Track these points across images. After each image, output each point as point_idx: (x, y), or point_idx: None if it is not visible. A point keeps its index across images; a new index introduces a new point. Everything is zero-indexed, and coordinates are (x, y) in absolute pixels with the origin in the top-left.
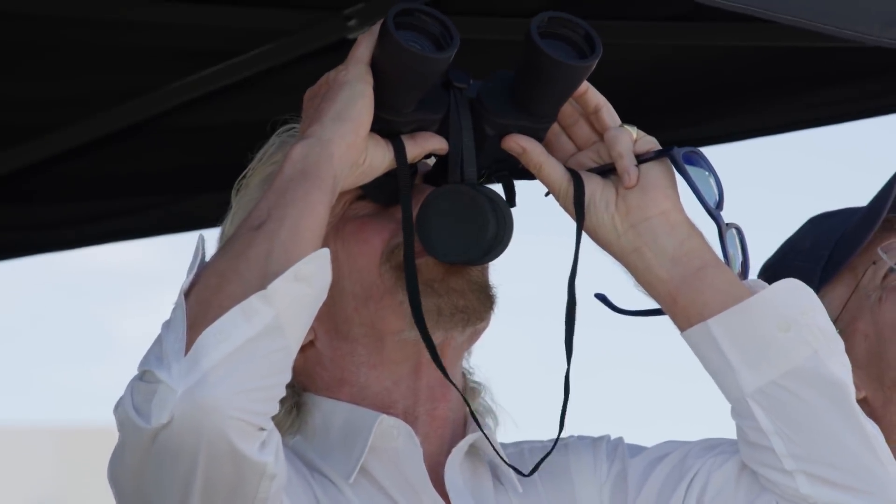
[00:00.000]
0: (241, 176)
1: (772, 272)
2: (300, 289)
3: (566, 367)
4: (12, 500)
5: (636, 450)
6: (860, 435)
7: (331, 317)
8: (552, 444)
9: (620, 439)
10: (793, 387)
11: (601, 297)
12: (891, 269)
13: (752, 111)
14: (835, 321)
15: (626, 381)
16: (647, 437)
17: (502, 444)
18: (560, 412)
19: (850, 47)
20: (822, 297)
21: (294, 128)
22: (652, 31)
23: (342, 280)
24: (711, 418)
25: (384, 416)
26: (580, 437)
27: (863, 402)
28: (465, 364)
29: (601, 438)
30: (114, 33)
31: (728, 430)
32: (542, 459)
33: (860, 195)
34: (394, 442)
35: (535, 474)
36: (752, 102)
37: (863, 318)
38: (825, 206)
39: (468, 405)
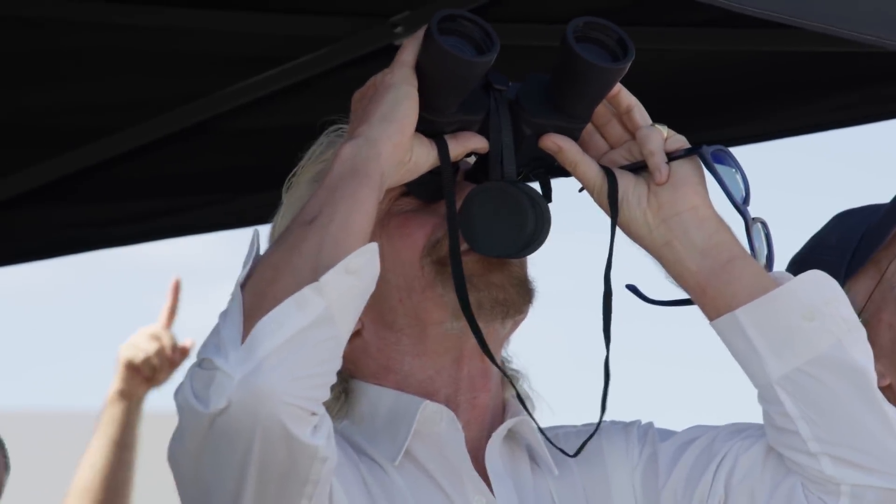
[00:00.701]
0: (292, 174)
1: (800, 266)
2: (350, 281)
3: (606, 353)
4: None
5: (666, 434)
6: (882, 419)
7: (376, 308)
8: (594, 427)
9: (651, 424)
10: (817, 373)
11: (632, 288)
12: None
13: (778, 113)
14: (860, 312)
15: (648, 372)
16: (671, 424)
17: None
18: (602, 396)
19: (871, 52)
20: (847, 290)
21: (341, 128)
22: (682, 36)
23: (387, 273)
24: (727, 408)
25: (428, 402)
26: (612, 422)
27: (887, 389)
28: (503, 353)
29: (632, 423)
30: (173, 40)
31: (747, 419)
32: (586, 441)
33: (882, 194)
34: (437, 427)
35: (570, 458)
36: (778, 105)
37: (887, 309)
38: (849, 204)
39: (515, 389)
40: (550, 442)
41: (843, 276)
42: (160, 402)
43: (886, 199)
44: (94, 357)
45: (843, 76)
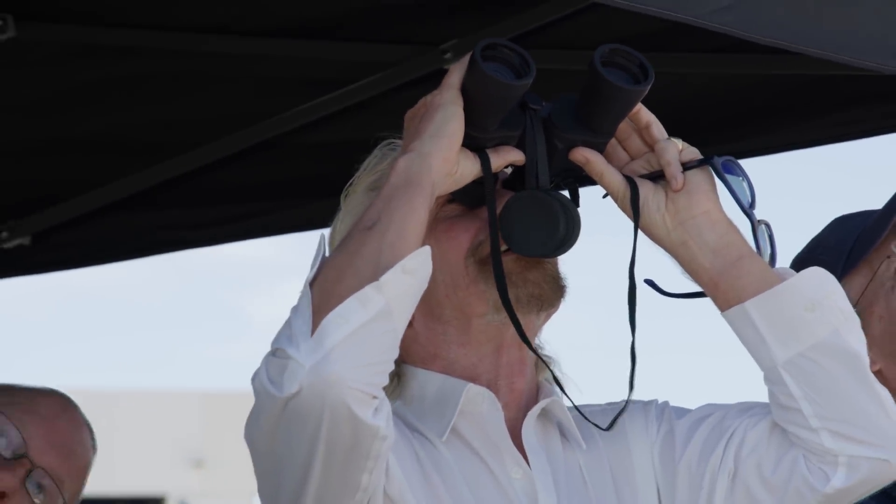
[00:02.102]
0: (349, 183)
1: (801, 264)
2: (406, 280)
3: (632, 339)
4: (164, 452)
5: (681, 412)
6: (874, 398)
7: (426, 302)
8: (616, 406)
9: (667, 403)
10: (817, 358)
11: (650, 283)
12: None
13: (783, 130)
14: (854, 305)
15: (666, 356)
16: (685, 403)
17: (568, 408)
18: (629, 377)
19: (868, 75)
20: (843, 286)
21: (392, 142)
22: (698, 61)
23: (435, 271)
24: (736, 389)
25: (471, 385)
26: (633, 402)
27: (878, 374)
28: (536, 341)
29: (650, 402)
30: (250, 65)
31: (754, 398)
32: (617, 416)
33: (876, 201)
34: (479, 407)
35: (596, 433)
36: (783, 122)
37: (878, 303)
38: (846, 210)
39: (552, 372)
40: (585, 417)
41: (840, 273)
42: (237, 383)
43: (879, 206)
44: (177, 340)
45: (843, 96)
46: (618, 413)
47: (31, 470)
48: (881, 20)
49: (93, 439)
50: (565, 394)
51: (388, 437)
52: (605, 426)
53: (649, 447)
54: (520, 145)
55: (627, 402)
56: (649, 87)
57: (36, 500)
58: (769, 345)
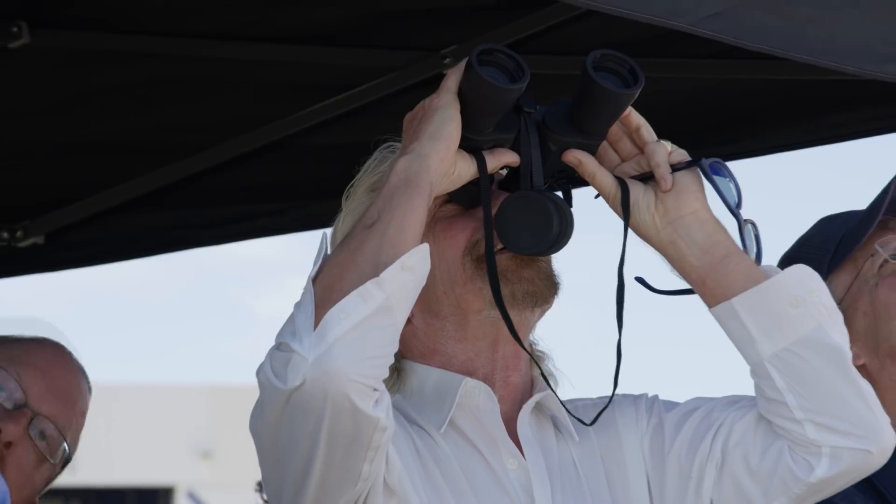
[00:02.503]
0: (350, 184)
1: (789, 262)
2: (406, 276)
3: (618, 336)
4: (173, 444)
5: (670, 405)
6: (856, 391)
7: (425, 298)
8: (606, 400)
9: (656, 396)
10: (802, 352)
11: (640, 280)
12: (885, 261)
13: (771, 132)
14: (839, 302)
15: (655, 351)
16: (674, 396)
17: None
18: (614, 373)
19: (855, 80)
20: (829, 283)
21: (392, 145)
22: (691, 66)
23: (433, 268)
24: (723, 383)
25: (468, 378)
26: (623, 395)
27: (862, 368)
28: (531, 337)
29: (640, 396)
30: (254, 70)
31: (741, 391)
32: (601, 412)
33: (861, 201)
34: (476, 400)
35: (587, 426)
36: (779, 124)
37: (862, 300)
38: (832, 209)
39: (539, 368)
40: (570, 413)
41: (826, 271)
42: (243, 377)
43: (865, 205)
44: (186, 336)
45: (833, 100)
46: (601, 409)
47: (32, 418)
48: (864, 28)
49: (87, 382)
50: (552, 389)
51: (387, 428)
52: (598, 419)
53: (639, 439)
54: (514, 147)
55: (611, 397)
56: (639, 90)
57: (39, 446)
58: (755, 340)
